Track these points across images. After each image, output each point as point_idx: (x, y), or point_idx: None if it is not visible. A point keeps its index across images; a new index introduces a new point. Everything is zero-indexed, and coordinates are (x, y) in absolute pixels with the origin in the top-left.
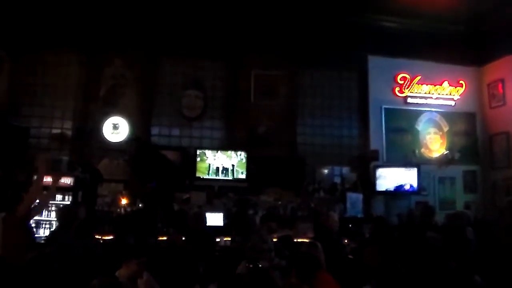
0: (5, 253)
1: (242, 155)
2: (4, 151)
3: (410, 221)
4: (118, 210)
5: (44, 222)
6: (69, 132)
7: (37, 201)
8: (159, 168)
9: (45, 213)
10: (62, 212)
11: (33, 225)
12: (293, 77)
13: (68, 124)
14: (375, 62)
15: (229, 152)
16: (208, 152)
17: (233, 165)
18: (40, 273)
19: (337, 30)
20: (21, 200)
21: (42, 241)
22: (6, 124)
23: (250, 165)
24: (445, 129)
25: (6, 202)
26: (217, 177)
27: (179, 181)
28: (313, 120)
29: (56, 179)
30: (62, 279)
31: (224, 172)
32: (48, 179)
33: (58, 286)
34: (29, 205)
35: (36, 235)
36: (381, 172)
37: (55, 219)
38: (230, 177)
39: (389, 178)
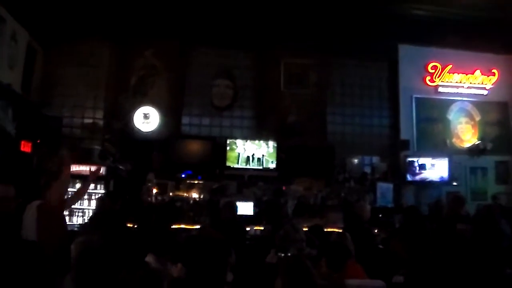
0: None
1: (272, 144)
2: (38, 141)
3: (438, 211)
4: (149, 199)
5: (77, 210)
6: (100, 122)
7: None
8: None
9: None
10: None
11: (66, 213)
12: (323, 66)
13: (99, 114)
14: (405, 51)
15: (259, 141)
16: (238, 142)
17: (263, 155)
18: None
19: (367, 19)
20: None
21: (76, 229)
22: (39, 114)
23: (280, 154)
24: (477, 118)
25: (39, 190)
26: (247, 167)
27: (209, 170)
28: (343, 109)
29: (94, 172)
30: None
31: (254, 161)
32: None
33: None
34: (60, 197)
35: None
36: (412, 162)
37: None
38: (260, 167)
39: (420, 168)
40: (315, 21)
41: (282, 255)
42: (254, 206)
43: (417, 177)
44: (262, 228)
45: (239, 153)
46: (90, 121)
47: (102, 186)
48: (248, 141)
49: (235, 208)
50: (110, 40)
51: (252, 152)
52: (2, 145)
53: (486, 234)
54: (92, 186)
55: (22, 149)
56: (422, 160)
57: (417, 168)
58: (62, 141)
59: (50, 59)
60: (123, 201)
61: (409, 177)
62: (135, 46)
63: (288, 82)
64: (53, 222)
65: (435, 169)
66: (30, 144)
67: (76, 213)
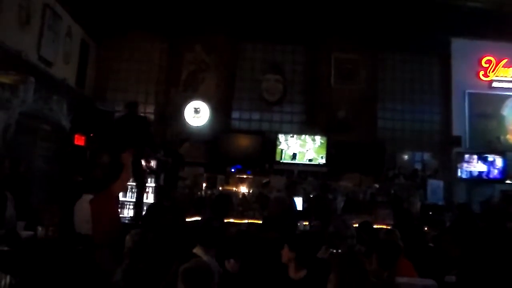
0: (96, 233)
1: (322, 139)
2: (91, 135)
3: (489, 210)
4: (199, 192)
5: (128, 203)
6: (151, 116)
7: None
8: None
9: (129, 194)
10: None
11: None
12: (374, 61)
13: (150, 108)
14: (458, 45)
15: (309, 136)
16: (288, 137)
17: (312, 150)
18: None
19: (419, 12)
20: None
21: (127, 221)
22: (93, 108)
23: (330, 150)
24: None
25: (93, 183)
26: (297, 162)
27: (259, 165)
28: (394, 105)
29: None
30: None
31: (304, 156)
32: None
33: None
34: (123, 188)
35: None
36: (464, 159)
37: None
38: (309, 162)
39: (473, 165)
40: (366, 15)
41: (334, 251)
42: (303, 201)
43: (470, 175)
44: (310, 223)
45: (289, 148)
46: (142, 115)
47: (153, 180)
48: (298, 136)
49: (286, 203)
50: (161, 35)
51: (302, 147)
52: (58, 139)
53: None
54: None
55: (76, 142)
56: (475, 157)
57: (470, 165)
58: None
59: (103, 54)
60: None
61: (461, 174)
62: (186, 41)
63: (339, 77)
64: (105, 215)
65: (488, 166)
66: (83, 138)
67: (127, 206)
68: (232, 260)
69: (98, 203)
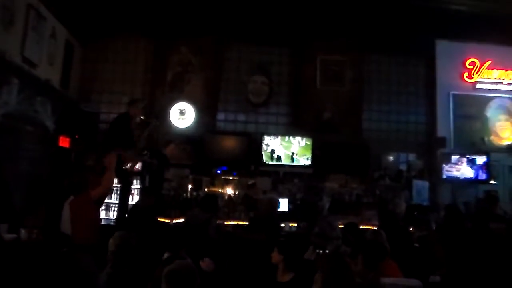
0: (74, 235)
1: (307, 141)
2: (76, 136)
3: (472, 210)
4: (184, 194)
5: (113, 205)
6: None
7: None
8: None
9: (114, 196)
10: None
11: (103, 207)
12: (359, 62)
13: None
14: (443, 47)
15: (294, 138)
16: (273, 138)
17: (297, 151)
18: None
19: (404, 14)
20: (90, 183)
21: (112, 223)
22: (78, 110)
23: (315, 151)
24: None
25: (74, 185)
26: (282, 163)
27: (244, 166)
28: (379, 106)
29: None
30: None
31: (289, 157)
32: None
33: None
34: (103, 192)
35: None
36: (448, 160)
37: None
38: (295, 163)
39: (457, 166)
40: (351, 17)
41: (321, 252)
42: (289, 202)
43: (454, 176)
44: (296, 224)
45: (274, 150)
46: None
47: (138, 181)
48: (284, 137)
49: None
50: (146, 36)
51: (287, 148)
52: (42, 140)
53: None
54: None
55: (60, 144)
56: (459, 158)
57: (454, 166)
58: (99, 136)
59: (87, 55)
60: (156, 197)
61: (445, 175)
62: (171, 43)
63: (324, 79)
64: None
65: (472, 167)
66: (68, 140)
67: (112, 208)
68: (207, 259)
69: (76, 205)
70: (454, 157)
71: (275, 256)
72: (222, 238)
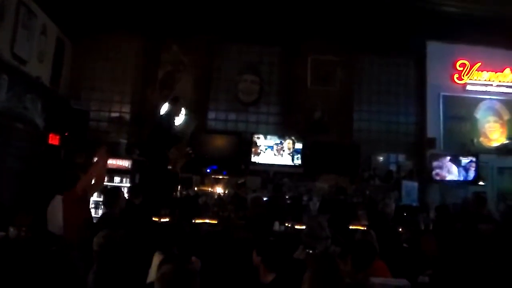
0: (65, 232)
1: (297, 140)
2: (66, 134)
3: (464, 211)
4: (174, 193)
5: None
6: (127, 116)
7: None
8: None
9: None
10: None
11: (92, 205)
12: (350, 63)
13: (126, 108)
14: (433, 48)
15: (284, 137)
16: (263, 137)
17: (288, 151)
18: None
19: (395, 15)
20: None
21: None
22: (68, 108)
23: (305, 151)
24: (506, 117)
25: (65, 182)
26: (272, 162)
27: (235, 165)
28: (370, 106)
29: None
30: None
31: (280, 157)
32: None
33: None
34: (86, 186)
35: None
36: (438, 161)
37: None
38: (285, 163)
39: (446, 167)
40: (342, 17)
41: (310, 251)
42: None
43: (443, 177)
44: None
45: (264, 149)
46: (117, 114)
47: (128, 179)
48: (274, 137)
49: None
50: (137, 34)
51: (278, 148)
52: (31, 138)
53: (509, 234)
54: (117, 179)
55: (50, 141)
56: (448, 159)
57: (444, 167)
58: (88, 134)
59: (78, 53)
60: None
61: (435, 176)
62: (163, 41)
63: (315, 79)
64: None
65: (461, 168)
66: (58, 137)
67: (101, 206)
68: (193, 258)
69: (66, 203)
70: (444, 158)
71: (254, 258)
72: (209, 237)
